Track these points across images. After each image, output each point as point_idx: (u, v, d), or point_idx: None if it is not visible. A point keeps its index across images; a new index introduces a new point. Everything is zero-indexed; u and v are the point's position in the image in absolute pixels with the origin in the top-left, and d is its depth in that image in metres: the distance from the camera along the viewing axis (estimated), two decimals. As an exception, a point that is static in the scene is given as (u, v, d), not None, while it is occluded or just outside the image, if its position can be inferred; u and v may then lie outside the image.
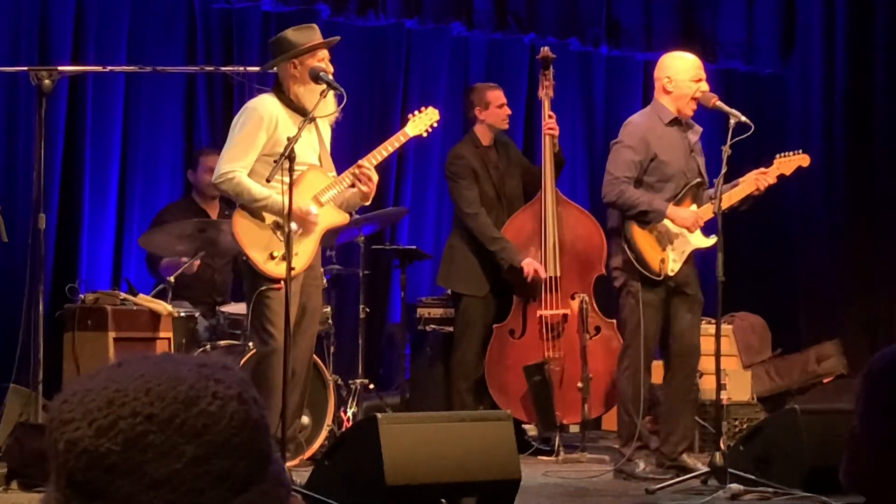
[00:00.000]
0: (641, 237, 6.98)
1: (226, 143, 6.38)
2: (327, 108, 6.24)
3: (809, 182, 10.12)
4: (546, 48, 8.19)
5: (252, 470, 1.39)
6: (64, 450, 1.36)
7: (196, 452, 1.35)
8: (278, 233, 6.21)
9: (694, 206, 7.03)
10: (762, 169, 7.04)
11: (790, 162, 7.12)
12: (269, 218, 6.27)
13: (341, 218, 6.55)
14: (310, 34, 6.35)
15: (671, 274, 6.96)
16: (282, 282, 6.10)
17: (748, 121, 6.72)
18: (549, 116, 7.98)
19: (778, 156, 7.12)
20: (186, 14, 9.23)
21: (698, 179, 7.07)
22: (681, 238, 7.00)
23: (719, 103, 6.96)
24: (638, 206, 6.96)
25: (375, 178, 6.39)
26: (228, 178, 6.24)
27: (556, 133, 7.98)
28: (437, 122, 6.86)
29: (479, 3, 9.45)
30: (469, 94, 8.29)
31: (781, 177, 7.12)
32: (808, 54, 10.41)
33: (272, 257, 6.22)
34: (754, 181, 7.00)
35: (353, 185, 6.40)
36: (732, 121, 6.72)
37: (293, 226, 6.01)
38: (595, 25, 9.85)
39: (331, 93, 6.20)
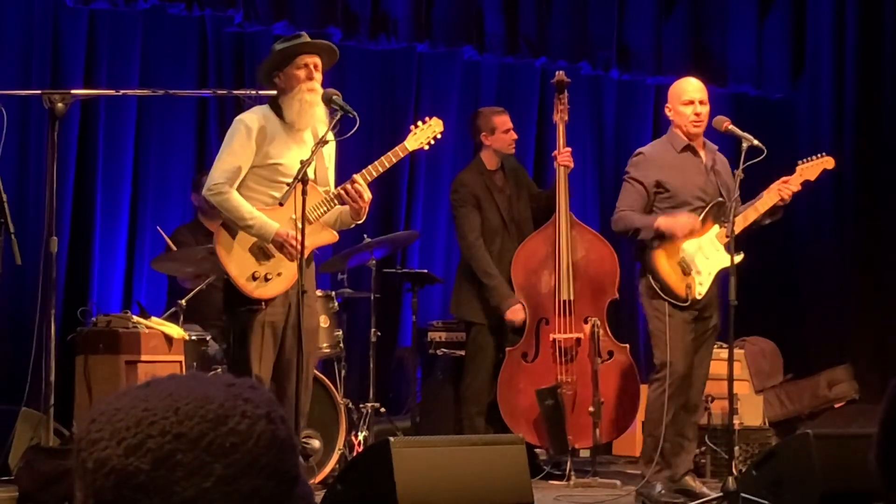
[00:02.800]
0: (665, 266, 6.96)
1: (217, 155, 6.24)
2: (314, 124, 6.10)
3: (819, 205, 10.12)
4: (561, 72, 8.17)
5: (280, 490, 1.39)
6: (93, 469, 1.36)
7: (224, 472, 1.35)
8: (260, 253, 6.08)
9: (717, 227, 7.01)
10: (784, 178, 7.01)
11: (814, 167, 7.09)
12: (252, 237, 6.12)
13: (329, 237, 6.32)
14: (292, 41, 6.18)
15: (699, 297, 6.95)
16: (264, 303, 6.04)
17: (761, 144, 6.70)
18: (564, 147, 7.98)
19: (800, 162, 7.10)
20: (198, 38, 9.26)
21: (719, 199, 7.04)
22: (705, 259, 6.98)
23: (731, 127, 6.93)
24: (632, 226, 7.02)
25: (368, 195, 6.11)
26: (219, 191, 6.07)
27: (571, 166, 7.98)
28: (441, 133, 6.59)
29: (490, 26, 9.47)
30: (475, 119, 8.26)
31: (807, 183, 7.10)
32: (818, 78, 10.42)
33: (253, 277, 6.05)
34: (777, 192, 6.97)
35: (343, 202, 6.15)
36: (745, 144, 6.71)
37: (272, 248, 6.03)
38: (605, 49, 9.87)
39: (323, 109, 6.08)
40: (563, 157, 7.96)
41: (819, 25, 10.39)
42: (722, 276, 6.89)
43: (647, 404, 7.09)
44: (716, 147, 7.23)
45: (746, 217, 6.99)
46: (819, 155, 7.15)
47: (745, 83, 10.34)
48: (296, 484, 1.41)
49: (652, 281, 6.99)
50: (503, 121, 8.10)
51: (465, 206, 7.93)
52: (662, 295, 6.94)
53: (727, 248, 6.88)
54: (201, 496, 1.34)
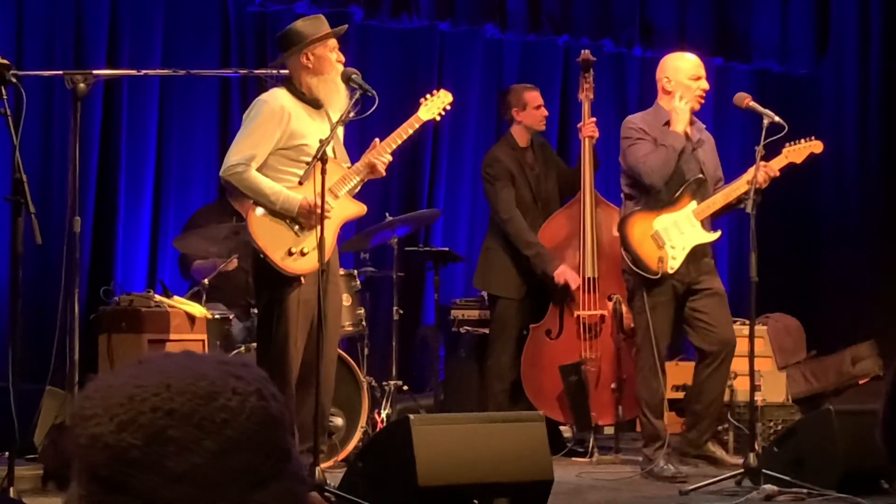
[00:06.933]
0: (637, 237, 7.00)
1: (236, 136, 6.22)
2: (343, 104, 6.10)
3: (843, 182, 10.09)
4: (587, 51, 8.14)
5: (271, 465, 1.40)
6: (86, 445, 1.37)
7: (216, 447, 1.36)
8: (295, 228, 6.07)
9: (694, 203, 7.04)
10: (762, 163, 6.89)
11: (800, 150, 7.05)
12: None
13: (358, 209, 6.34)
14: (318, 24, 6.21)
15: (671, 271, 6.96)
16: (302, 278, 6.04)
17: (781, 121, 6.69)
18: (590, 119, 7.97)
19: (787, 144, 7.03)
20: (220, 17, 9.27)
21: (699, 176, 7.05)
22: (680, 234, 6.99)
23: (752, 103, 6.92)
24: (669, 156, 7.00)
25: (388, 157, 6.24)
26: (236, 171, 6.04)
27: (596, 136, 7.97)
28: (450, 104, 6.62)
29: (512, 4, 9.45)
30: (506, 95, 8.26)
31: (791, 166, 7.04)
32: (842, 55, 10.37)
33: (290, 253, 6.03)
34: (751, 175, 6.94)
35: (371, 173, 6.22)
36: (766, 121, 6.69)
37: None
38: (629, 27, 9.85)
39: (343, 88, 6.11)
40: (588, 127, 7.94)
41: (843, 1, 10.33)
42: (744, 253, 6.89)
43: (636, 387, 7.16)
44: (703, 126, 7.26)
45: (727, 195, 6.99)
46: (808, 138, 7.10)
47: (770, 59, 10.30)
48: (288, 459, 1.43)
49: (624, 253, 7.01)
50: (534, 97, 8.10)
51: (500, 180, 7.92)
52: (634, 267, 6.96)
53: (704, 224, 6.93)
54: (193, 471, 1.36)
